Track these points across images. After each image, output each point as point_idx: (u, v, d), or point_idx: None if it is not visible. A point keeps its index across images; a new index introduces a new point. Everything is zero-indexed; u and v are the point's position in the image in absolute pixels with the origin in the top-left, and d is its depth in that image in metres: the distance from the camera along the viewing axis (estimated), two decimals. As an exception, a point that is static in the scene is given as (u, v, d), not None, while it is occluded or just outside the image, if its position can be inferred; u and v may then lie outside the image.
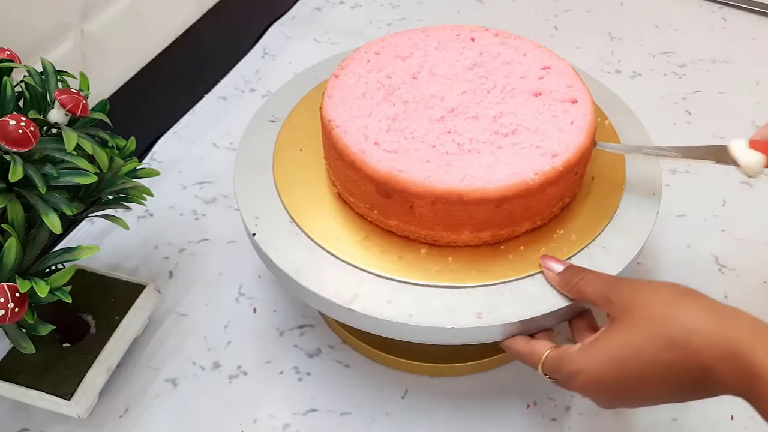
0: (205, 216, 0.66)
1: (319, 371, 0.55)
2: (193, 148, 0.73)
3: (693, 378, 0.36)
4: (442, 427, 0.52)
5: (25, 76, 0.44)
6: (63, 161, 0.43)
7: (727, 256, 0.62)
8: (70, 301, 0.42)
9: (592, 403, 0.52)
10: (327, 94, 0.49)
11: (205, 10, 0.84)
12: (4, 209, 0.41)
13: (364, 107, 0.48)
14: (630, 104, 0.58)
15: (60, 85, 0.46)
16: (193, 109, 0.77)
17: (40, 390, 0.48)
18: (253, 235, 0.47)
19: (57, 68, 0.47)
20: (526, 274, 0.45)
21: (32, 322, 0.42)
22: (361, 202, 0.47)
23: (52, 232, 0.42)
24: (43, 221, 0.41)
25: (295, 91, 0.58)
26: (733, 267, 0.62)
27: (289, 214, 0.48)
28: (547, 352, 0.42)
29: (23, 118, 0.40)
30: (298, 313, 0.58)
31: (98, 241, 0.63)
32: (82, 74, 0.50)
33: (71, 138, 0.42)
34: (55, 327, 0.44)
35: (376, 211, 0.46)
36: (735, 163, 0.44)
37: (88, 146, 0.44)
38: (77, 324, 0.52)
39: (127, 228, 0.49)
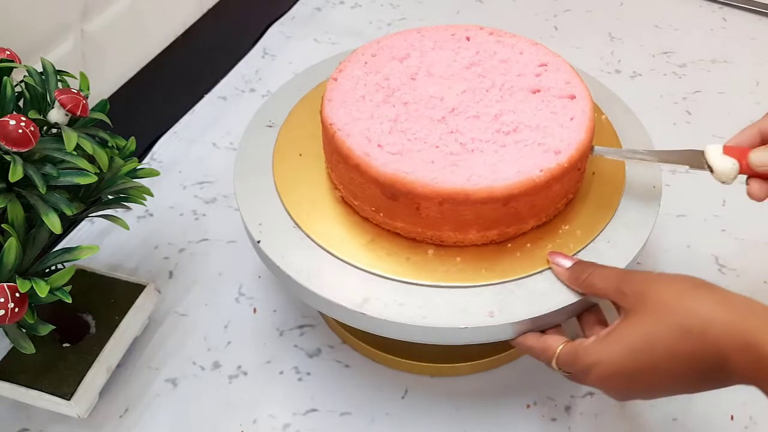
0: (205, 216, 0.66)
1: (319, 371, 0.55)
2: (193, 148, 0.73)
3: (708, 367, 0.36)
4: (442, 427, 0.52)
5: (25, 76, 0.44)
6: (63, 161, 0.43)
7: (727, 256, 0.62)
8: (70, 301, 0.43)
9: (592, 403, 0.53)
10: (327, 98, 0.49)
11: (205, 10, 0.84)
12: (4, 209, 0.41)
13: (365, 110, 0.48)
14: (630, 104, 0.58)
15: (60, 85, 0.46)
16: (193, 109, 0.77)
17: (40, 390, 0.48)
18: (258, 242, 0.47)
19: (57, 68, 0.47)
20: (535, 271, 0.45)
21: (32, 322, 0.42)
22: (366, 205, 0.47)
23: (52, 232, 0.42)
24: (43, 221, 0.41)
25: (294, 92, 0.58)
26: (733, 267, 0.62)
27: (293, 220, 0.48)
28: (561, 346, 0.42)
29: (23, 118, 0.40)
30: (298, 313, 0.58)
31: (98, 241, 0.63)
32: (82, 74, 0.50)
33: (71, 138, 0.42)
34: (55, 327, 0.44)
35: (381, 214, 0.46)
36: (710, 168, 0.44)
37: (88, 146, 0.44)
38: (77, 324, 0.52)
39: (127, 228, 0.49)
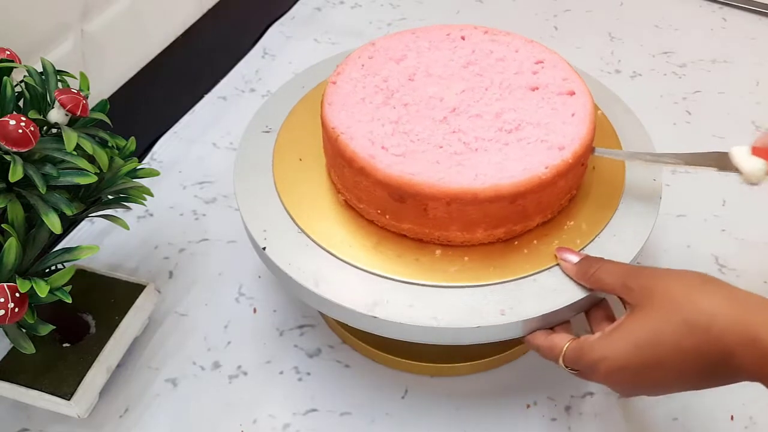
0: (205, 216, 0.66)
1: (319, 371, 0.55)
2: (193, 148, 0.73)
3: (714, 363, 0.36)
4: (442, 427, 0.52)
5: (25, 76, 0.44)
6: (63, 161, 0.43)
7: (727, 256, 0.62)
8: (70, 301, 0.43)
9: (592, 403, 0.53)
10: (327, 102, 0.49)
11: (205, 10, 0.84)
12: (4, 209, 0.41)
13: (366, 112, 0.48)
14: (630, 104, 0.58)
15: (60, 85, 0.46)
16: (193, 109, 0.77)
17: (40, 390, 0.48)
18: (264, 249, 0.47)
19: (57, 68, 0.47)
20: (543, 268, 0.45)
21: (32, 322, 0.42)
22: (372, 208, 0.47)
23: (52, 232, 0.42)
24: (43, 221, 0.41)
25: (294, 92, 0.58)
26: (733, 267, 0.62)
27: (298, 225, 0.48)
28: (567, 344, 0.42)
29: (23, 118, 0.40)
30: (298, 313, 0.58)
31: (98, 241, 0.63)
32: (82, 74, 0.50)
33: (71, 138, 0.42)
34: (55, 327, 0.44)
35: (388, 216, 0.46)
36: (737, 170, 0.44)
37: (88, 146, 0.44)
38: (77, 324, 0.52)
39: (127, 228, 0.49)
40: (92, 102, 0.48)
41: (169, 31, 0.79)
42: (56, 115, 0.44)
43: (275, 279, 0.55)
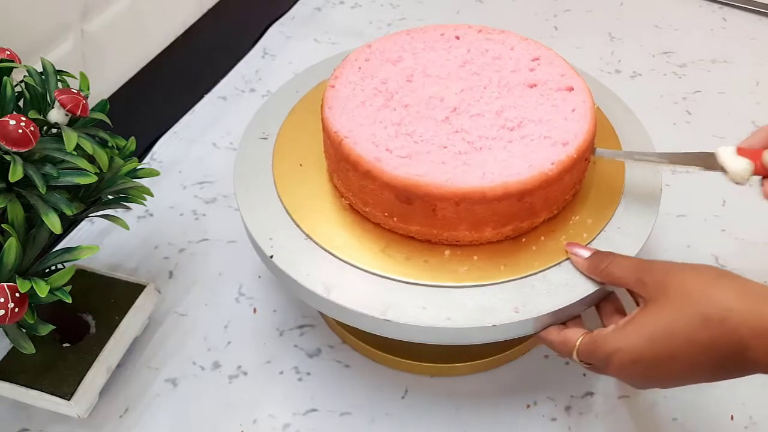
0: (205, 216, 0.66)
1: (319, 371, 0.55)
2: (193, 148, 0.73)
3: (728, 355, 0.36)
4: (442, 427, 0.52)
5: (25, 76, 0.44)
6: (63, 161, 0.43)
7: (727, 256, 0.62)
8: (70, 301, 0.43)
9: (592, 403, 0.53)
10: (327, 106, 0.48)
11: (205, 10, 0.84)
12: (4, 209, 0.41)
13: (367, 115, 0.47)
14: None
15: (60, 85, 0.46)
16: (193, 109, 0.77)
17: (40, 390, 0.48)
18: (271, 257, 0.46)
19: (57, 68, 0.47)
20: (553, 264, 0.45)
21: (32, 322, 0.42)
22: (378, 211, 0.46)
23: (52, 232, 0.42)
24: (43, 221, 0.41)
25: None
26: (733, 267, 0.61)
27: (303, 231, 0.47)
28: (580, 338, 0.42)
29: (23, 118, 0.40)
30: (298, 313, 0.58)
31: (98, 241, 0.63)
32: (82, 74, 0.50)
33: (71, 138, 0.42)
34: (55, 327, 0.44)
35: (395, 218, 0.46)
36: (723, 169, 0.44)
37: (88, 146, 0.44)
38: (77, 324, 0.52)
39: (127, 228, 0.49)
40: (92, 102, 0.48)
41: (169, 31, 0.79)
42: (56, 115, 0.44)
43: (275, 279, 0.55)
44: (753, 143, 0.45)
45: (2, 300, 0.39)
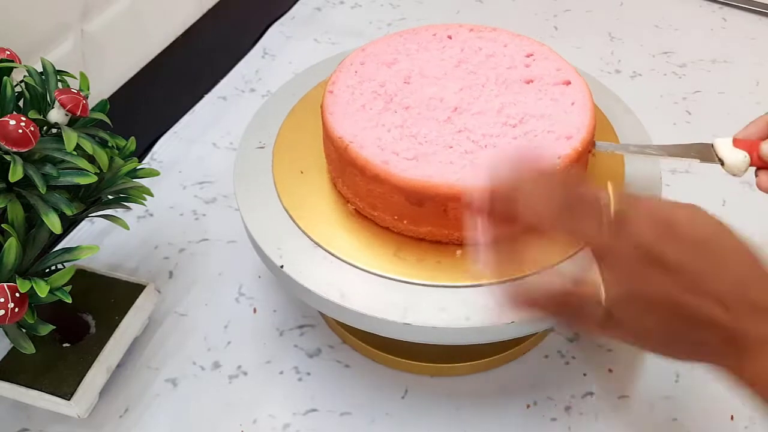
0: (205, 216, 0.66)
1: (319, 371, 0.55)
2: (193, 148, 0.73)
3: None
4: (442, 427, 0.52)
5: (25, 76, 0.44)
6: (63, 161, 0.43)
7: (727, 256, 0.62)
8: (70, 301, 0.43)
9: (592, 403, 0.53)
10: (328, 112, 0.48)
11: (205, 10, 0.84)
12: (4, 209, 0.41)
13: (369, 118, 0.47)
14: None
15: (60, 85, 0.46)
16: (193, 109, 0.77)
17: (40, 390, 0.48)
18: (281, 267, 0.46)
19: (57, 68, 0.47)
20: (566, 257, 0.45)
21: (32, 322, 0.42)
22: (388, 215, 0.46)
23: (52, 232, 0.42)
24: (43, 221, 0.41)
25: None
26: (733, 267, 0.61)
27: (312, 240, 0.47)
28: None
29: (23, 118, 0.40)
30: (298, 313, 0.58)
31: (98, 241, 0.63)
32: (82, 74, 0.50)
33: (71, 138, 0.42)
34: (55, 327, 0.44)
35: (405, 221, 0.46)
36: (720, 161, 0.45)
37: (88, 146, 0.44)
38: (77, 324, 0.52)
39: (127, 228, 0.49)
40: (92, 102, 0.48)
41: (169, 31, 0.79)
42: (56, 115, 0.44)
43: (275, 279, 0.55)
44: (749, 134, 0.45)
45: (2, 300, 0.39)
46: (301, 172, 0.52)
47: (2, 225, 0.41)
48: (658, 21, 0.90)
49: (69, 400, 0.48)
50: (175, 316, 0.58)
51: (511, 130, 0.46)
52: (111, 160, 0.47)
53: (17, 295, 0.40)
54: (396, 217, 0.46)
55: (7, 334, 0.43)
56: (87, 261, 0.51)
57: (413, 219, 0.45)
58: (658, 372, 0.54)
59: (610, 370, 0.54)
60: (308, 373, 0.55)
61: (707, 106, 0.77)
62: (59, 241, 0.62)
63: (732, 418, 0.52)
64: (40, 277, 0.42)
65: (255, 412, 0.52)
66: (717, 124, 0.75)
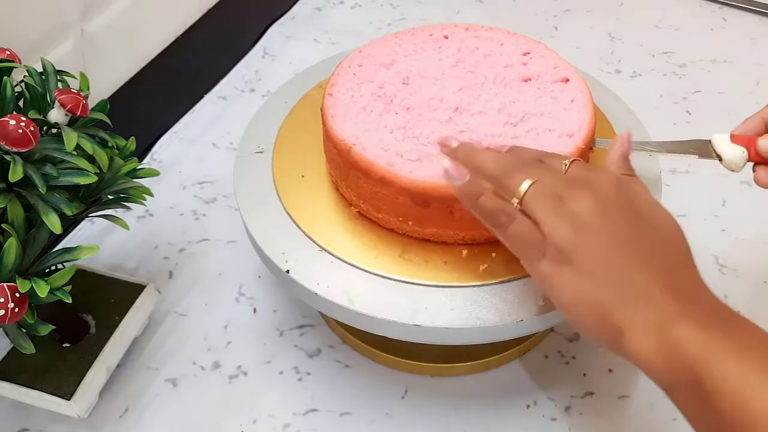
0: (205, 216, 0.66)
1: (319, 371, 0.55)
2: (193, 148, 0.73)
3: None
4: (442, 427, 0.52)
5: (25, 76, 0.44)
6: (63, 161, 0.43)
7: (727, 256, 0.62)
8: (70, 301, 0.43)
9: (592, 403, 0.53)
10: (329, 114, 0.48)
11: (205, 10, 0.84)
12: (4, 209, 0.41)
13: (370, 120, 0.47)
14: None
15: (60, 85, 0.46)
16: (193, 109, 0.77)
17: (40, 390, 0.48)
18: (287, 272, 0.46)
19: (57, 68, 0.47)
20: None
21: (32, 322, 0.42)
22: (393, 216, 0.46)
23: (52, 232, 0.42)
24: (43, 221, 0.41)
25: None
26: (733, 267, 0.62)
27: (317, 244, 0.47)
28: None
29: (23, 118, 0.40)
30: (298, 313, 0.58)
31: (98, 241, 0.63)
32: (82, 74, 0.50)
33: (71, 138, 0.42)
34: (55, 327, 0.44)
35: (410, 222, 0.46)
36: (718, 157, 0.45)
37: (88, 146, 0.44)
38: (77, 324, 0.52)
39: (127, 228, 0.49)
40: (92, 102, 0.48)
41: (169, 31, 0.79)
42: (56, 115, 0.44)
43: (275, 279, 0.55)
44: (746, 130, 0.45)
45: (2, 300, 0.39)
46: (303, 176, 0.51)
47: (2, 225, 0.41)
48: (658, 21, 0.90)
49: (69, 400, 0.48)
50: (175, 316, 0.58)
51: (512, 129, 0.46)
52: (111, 160, 0.47)
53: (17, 295, 0.40)
54: (401, 219, 0.46)
55: (7, 334, 0.43)
56: (87, 261, 0.51)
57: (418, 220, 0.45)
58: (658, 372, 0.54)
59: (610, 370, 0.54)
60: (308, 373, 0.55)
61: (707, 106, 0.78)
62: (59, 241, 0.62)
63: (732, 418, 0.51)
64: (40, 277, 0.42)
65: (255, 412, 0.52)
66: (717, 124, 0.74)
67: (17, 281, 0.40)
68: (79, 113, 0.44)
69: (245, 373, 0.55)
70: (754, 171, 0.45)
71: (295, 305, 0.59)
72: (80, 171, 0.43)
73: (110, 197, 0.49)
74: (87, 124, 0.47)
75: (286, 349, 0.56)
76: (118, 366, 0.53)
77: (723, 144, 0.45)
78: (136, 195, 0.49)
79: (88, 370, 0.49)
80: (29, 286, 0.40)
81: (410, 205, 0.44)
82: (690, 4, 0.92)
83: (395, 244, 0.47)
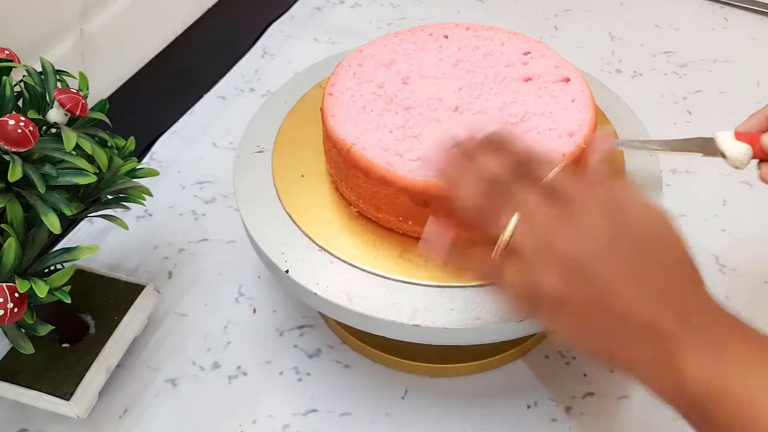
0: (204, 216, 0.66)
1: (319, 371, 0.55)
2: (193, 148, 0.73)
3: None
4: (442, 427, 0.52)
5: (24, 76, 0.44)
6: (62, 161, 0.43)
7: (727, 256, 0.62)
8: (69, 301, 0.42)
9: (592, 403, 0.52)
10: (329, 114, 0.48)
11: (204, 10, 0.84)
12: (4, 209, 0.41)
13: (370, 120, 0.47)
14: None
15: (59, 84, 0.46)
16: (193, 108, 0.77)
17: (40, 390, 0.48)
18: (287, 272, 0.46)
19: (56, 68, 0.47)
20: None
21: (31, 322, 0.42)
22: (393, 216, 0.46)
23: (52, 232, 0.42)
24: (42, 221, 0.41)
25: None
26: (733, 267, 0.61)
27: (316, 243, 0.47)
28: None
29: (22, 118, 0.40)
30: (298, 313, 0.58)
31: (98, 241, 0.63)
32: (81, 74, 0.50)
33: (70, 138, 0.42)
34: (54, 327, 0.43)
35: (410, 222, 0.46)
36: (722, 154, 0.44)
37: (88, 146, 0.44)
38: (77, 324, 0.52)
39: (127, 228, 0.49)
40: (92, 102, 0.48)
41: (168, 31, 0.79)
42: (55, 114, 0.44)
43: (275, 279, 0.55)
44: (750, 127, 0.45)
45: (1, 300, 0.39)
46: (302, 176, 0.51)
47: (1, 225, 0.41)
48: (658, 21, 0.90)
49: (68, 400, 0.48)
50: (174, 316, 0.58)
51: (513, 129, 0.46)
52: (110, 159, 0.47)
53: (16, 295, 0.40)
54: (401, 219, 0.46)
55: (6, 335, 0.43)
56: (86, 261, 0.51)
57: (418, 220, 0.45)
58: (658, 372, 0.54)
59: (611, 370, 0.54)
60: (308, 374, 0.55)
61: (708, 105, 0.77)
62: (58, 241, 0.62)
63: (732, 418, 0.51)
64: (39, 278, 0.42)
65: (255, 412, 0.52)
66: (718, 124, 0.74)
67: (16, 281, 0.40)
68: (78, 113, 0.44)
69: (245, 374, 0.55)
70: (759, 168, 0.44)
71: (295, 305, 0.59)
72: (79, 171, 0.43)
73: (109, 197, 0.48)
74: (86, 124, 0.47)
75: (285, 350, 0.56)
76: (118, 366, 0.53)
77: (727, 141, 0.44)
78: (136, 195, 0.49)
79: (87, 371, 0.49)
80: (28, 287, 0.40)
81: (410, 204, 0.44)
82: (691, 4, 0.92)
83: (395, 244, 0.47)
